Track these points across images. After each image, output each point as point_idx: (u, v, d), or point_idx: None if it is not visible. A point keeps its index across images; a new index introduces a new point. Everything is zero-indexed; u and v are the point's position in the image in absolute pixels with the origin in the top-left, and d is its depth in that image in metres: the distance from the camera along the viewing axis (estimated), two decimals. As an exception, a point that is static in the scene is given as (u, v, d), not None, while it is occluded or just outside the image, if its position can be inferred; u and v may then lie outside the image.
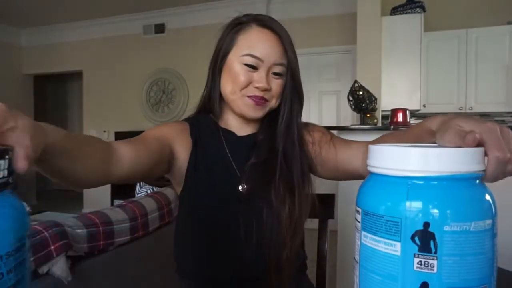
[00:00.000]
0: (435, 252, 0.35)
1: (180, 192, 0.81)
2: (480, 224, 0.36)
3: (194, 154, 0.80)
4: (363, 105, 2.41)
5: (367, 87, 2.43)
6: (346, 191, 2.05)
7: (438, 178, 0.36)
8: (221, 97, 0.82)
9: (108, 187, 4.47)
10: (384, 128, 2.27)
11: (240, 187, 0.78)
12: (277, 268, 0.74)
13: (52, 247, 1.07)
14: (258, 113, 0.78)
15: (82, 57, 5.15)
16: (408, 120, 2.49)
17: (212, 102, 0.83)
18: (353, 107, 2.48)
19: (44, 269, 1.06)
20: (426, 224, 0.35)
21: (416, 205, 0.36)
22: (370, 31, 3.17)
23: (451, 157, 0.36)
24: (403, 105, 2.70)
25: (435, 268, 0.36)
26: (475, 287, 0.37)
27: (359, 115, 2.54)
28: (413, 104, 3.25)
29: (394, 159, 0.37)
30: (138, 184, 1.99)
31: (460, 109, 3.45)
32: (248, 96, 0.76)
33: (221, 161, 0.80)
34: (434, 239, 0.35)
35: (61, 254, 1.09)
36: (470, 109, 3.43)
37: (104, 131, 5.05)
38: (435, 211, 0.35)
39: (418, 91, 3.29)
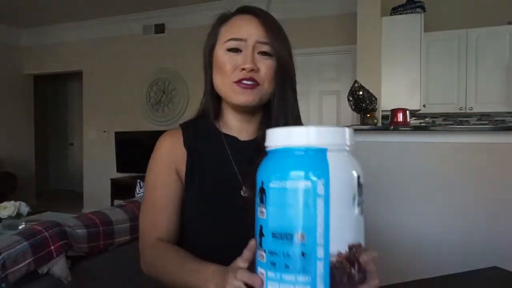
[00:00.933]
0: (265, 203, 0.49)
1: (183, 198, 0.80)
2: (295, 183, 0.46)
3: (190, 162, 0.78)
4: (363, 105, 2.41)
5: (367, 87, 2.43)
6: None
7: (271, 151, 0.52)
8: (218, 95, 0.80)
9: (108, 187, 4.47)
10: (384, 128, 2.27)
11: (242, 192, 0.77)
12: None
13: (52, 247, 1.07)
14: (249, 97, 0.74)
15: (82, 57, 5.14)
16: (408, 120, 2.49)
17: (211, 102, 0.82)
18: (353, 107, 2.48)
19: (44, 269, 1.05)
20: (262, 183, 0.50)
21: (260, 170, 0.52)
22: (370, 31, 3.17)
23: (277, 134, 0.51)
24: (403, 105, 2.70)
25: (265, 215, 0.49)
26: (292, 233, 0.46)
27: (359, 115, 2.54)
28: (413, 104, 3.25)
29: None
30: (138, 184, 1.99)
31: (460, 109, 3.45)
32: (236, 82, 0.74)
33: (223, 167, 0.78)
34: (265, 193, 0.49)
35: (61, 254, 1.09)
36: (470, 109, 3.43)
37: (104, 131, 5.05)
38: (266, 175, 0.50)
39: (418, 91, 3.28)
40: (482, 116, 3.67)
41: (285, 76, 0.77)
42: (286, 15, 3.87)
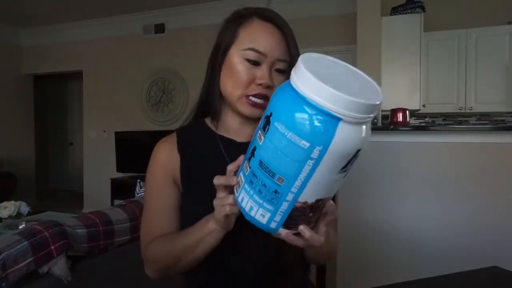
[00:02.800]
0: (265, 134, 0.51)
1: (182, 201, 0.79)
2: (296, 138, 0.47)
3: (184, 168, 0.78)
4: (363, 105, 2.41)
5: (367, 87, 2.43)
6: (346, 191, 2.06)
7: (294, 88, 0.49)
8: (220, 95, 0.79)
9: (108, 187, 4.47)
10: (384, 128, 2.27)
11: None
12: (283, 269, 0.74)
13: (52, 247, 1.07)
14: (255, 113, 0.74)
15: (82, 57, 5.15)
16: (408, 120, 2.49)
17: (211, 101, 0.80)
18: (353, 107, 2.48)
19: (44, 269, 1.06)
20: (270, 115, 0.51)
21: (275, 98, 0.52)
22: (370, 31, 3.17)
23: (306, 79, 0.47)
24: (403, 105, 2.70)
25: (261, 143, 0.52)
26: (275, 172, 0.50)
27: (359, 115, 2.53)
28: (413, 104, 3.25)
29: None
30: (138, 184, 1.99)
31: (460, 109, 3.45)
32: (248, 96, 0.73)
33: (220, 169, 0.77)
34: (269, 126, 0.50)
35: (61, 254, 1.09)
36: (470, 109, 3.43)
37: (104, 131, 5.05)
38: (277, 110, 0.50)
39: (418, 91, 3.29)
40: (482, 116, 3.67)
41: None
42: (286, 15, 3.83)
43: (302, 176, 0.49)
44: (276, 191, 0.51)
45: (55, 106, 6.86)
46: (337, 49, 3.94)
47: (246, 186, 0.55)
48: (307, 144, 0.47)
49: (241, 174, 0.58)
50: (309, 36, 3.88)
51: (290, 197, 0.51)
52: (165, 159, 0.79)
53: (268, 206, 0.53)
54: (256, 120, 0.81)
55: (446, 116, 3.78)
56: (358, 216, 2.05)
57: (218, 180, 0.62)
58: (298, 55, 0.76)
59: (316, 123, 0.46)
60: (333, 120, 0.46)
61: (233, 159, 0.77)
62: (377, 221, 2.05)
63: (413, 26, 3.27)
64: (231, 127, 0.81)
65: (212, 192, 0.76)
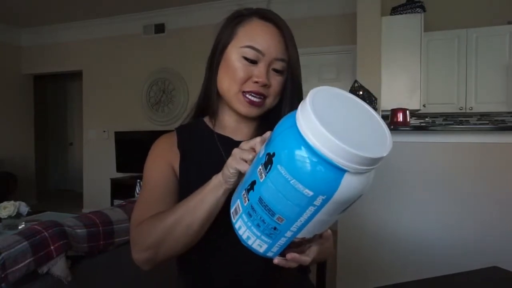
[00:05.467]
0: (267, 173, 0.50)
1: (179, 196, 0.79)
2: (299, 186, 0.46)
3: (183, 165, 0.78)
4: (363, 105, 2.41)
5: (367, 87, 2.43)
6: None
7: (299, 133, 0.47)
8: (218, 93, 0.79)
9: (108, 187, 4.47)
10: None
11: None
12: (282, 270, 0.74)
13: (52, 247, 1.07)
14: (252, 111, 0.75)
15: (82, 57, 5.15)
16: (408, 120, 2.49)
17: (209, 99, 0.81)
18: (353, 107, 2.48)
19: (44, 269, 1.06)
20: (273, 154, 0.49)
21: (279, 139, 0.49)
22: (370, 31, 3.17)
23: (313, 126, 0.45)
24: (403, 105, 2.70)
25: (262, 179, 0.50)
26: (275, 212, 0.50)
27: (359, 115, 2.53)
28: (413, 104, 3.25)
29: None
30: (138, 184, 1.99)
31: (460, 109, 3.45)
32: (245, 92, 0.73)
33: (216, 167, 0.78)
34: (271, 166, 0.49)
35: (61, 254, 1.09)
36: (470, 109, 3.43)
37: (104, 131, 5.05)
38: (281, 153, 0.48)
39: (418, 91, 3.28)
40: (482, 116, 3.67)
41: (295, 90, 0.78)
42: (286, 15, 3.83)
43: (303, 219, 0.49)
44: (275, 228, 0.51)
45: (55, 106, 6.86)
46: (337, 49, 3.94)
47: (244, 216, 0.55)
48: (311, 193, 0.46)
49: (238, 201, 0.56)
50: (309, 36, 3.88)
51: (289, 234, 0.52)
52: (166, 151, 0.80)
53: (266, 239, 0.54)
54: (252, 118, 0.81)
55: (446, 116, 3.78)
56: (358, 216, 2.05)
57: (246, 144, 0.59)
58: (296, 56, 0.76)
59: (321, 173, 0.45)
60: (338, 171, 0.45)
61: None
62: (376, 221, 2.05)
63: (413, 26, 3.26)
64: (229, 125, 0.82)
65: None
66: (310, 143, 0.45)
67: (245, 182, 0.55)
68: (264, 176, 0.50)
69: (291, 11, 3.98)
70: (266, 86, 0.73)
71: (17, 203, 1.94)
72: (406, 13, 3.32)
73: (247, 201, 0.54)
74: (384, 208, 2.04)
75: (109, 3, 4.36)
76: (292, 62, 0.75)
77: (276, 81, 0.75)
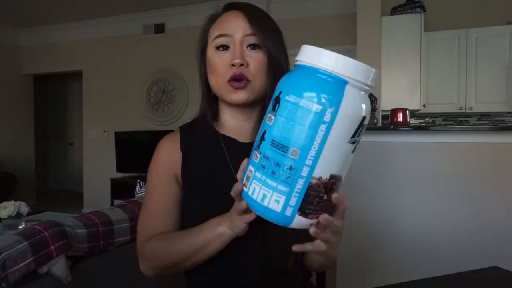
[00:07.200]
0: (276, 111, 0.53)
1: (182, 199, 0.79)
2: (308, 103, 0.49)
3: (185, 165, 0.78)
4: (363, 105, 2.41)
5: (367, 87, 2.43)
6: (346, 190, 2.05)
7: (299, 65, 0.54)
8: (215, 96, 0.80)
9: (108, 187, 4.47)
10: (384, 128, 2.27)
11: None
12: (284, 273, 0.73)
13: (52, 247, 1.07)
14: (243, 95, 0.73)
15: (82, 57, 5.14)
16: (408, 120, 2.49)
17: (207, 104, 0.82)
18: (353, 107, 2.48)
19: (44, 269, 1.06)
20: (279, 93, 0.53)
21: (282, 80, 0.55)
22: (370, 31, 3.17)
23: (308, 51, 0.53)
24: (403, 105, 2.70)
25: (272, 122, 0.53)
26: (289, 146, 0.51)
27: (359, 115, 2.53)
28: (413, 104, 3.25)
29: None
30: (138, 184, 1.99)
31: (460, 109, 3.45)
32: (228, 81, 0.72)
33: (221, 169, 0.77)
34: (279, 103, 0.52)
35: (61, 254, 1.09)
36: (470, 109, 3.43)
37: (104, 131, 5.05)
38: (286, 86, 0.52)
39: (418, 91, 3.29)
40: (482, 116, 3.67)
41: (275, 68, 0.73)
42: (286, 15, 3.87)
43: (316, 143, 0.50)
44: (290, 167, 0.51)
45: (55, 106, 6.86)
46: (337, 49, 3.92)
47: (257, 174, 0.54)
48: (319, 107, 0.49)
49: (249, 166, 0.57)
50: (309, 36, 3.88)
51: (305, 171, 0.51)
52: (168, 156, 0.80)
53: (283, 188, 0.52)
54: (253, 118, 0.81)
55: (446, 116, 3.78)
56: (358, 216, 2.05)
57: (232, 191, 0.60)
58: (268, 30, 0.75)
59: (327, 85, 0.50)
60: (340, 83, 0.50)
61: (234, 158, 0.77)
62: (377, 221, 2.05)
63: (413, 26, 3.27)
64: (231, 126, 0.81)
65: (212, 189, 0.76)
66: (309, 63, 0.51)
67: (255, 143, 0.57)
68: (273, 117, 0.53)
69: (291, 11, 3.98)
70: (243, 66, 0.72)
71: (17, 203, 1.94)
72: (406, 13, 3.32)
73: (258, 155, 0.55)
74: (384, 207, 2.04)
75: (109, 3, 4.36)
76: (263, 36, 0.73)
77: (254, 59, 0.73)
